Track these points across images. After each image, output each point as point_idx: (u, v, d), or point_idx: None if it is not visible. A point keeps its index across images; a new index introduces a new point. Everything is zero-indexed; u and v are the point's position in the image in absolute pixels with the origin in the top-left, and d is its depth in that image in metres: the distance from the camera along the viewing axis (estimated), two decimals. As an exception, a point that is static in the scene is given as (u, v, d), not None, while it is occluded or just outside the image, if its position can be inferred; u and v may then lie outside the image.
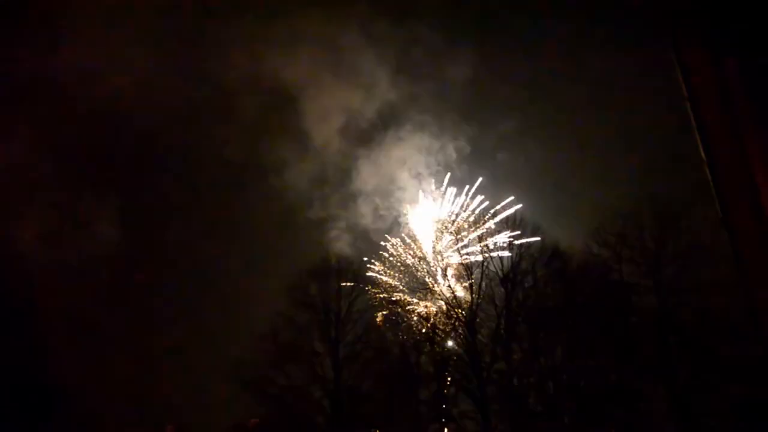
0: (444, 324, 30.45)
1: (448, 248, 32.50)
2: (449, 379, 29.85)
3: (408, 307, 32.62)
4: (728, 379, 23.95)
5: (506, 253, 29.51)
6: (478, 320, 29.00)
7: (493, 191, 33.28)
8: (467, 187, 33.68)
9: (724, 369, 24.15)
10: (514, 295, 28.47)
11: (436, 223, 33.69)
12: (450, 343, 30.43)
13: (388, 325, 32.41)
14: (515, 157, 36.43)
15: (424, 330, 31.46)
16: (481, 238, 31.06)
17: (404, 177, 35.49)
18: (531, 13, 33.87)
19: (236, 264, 33.90)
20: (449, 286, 30.97)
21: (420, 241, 33.67)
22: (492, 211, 32.19)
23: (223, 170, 36.09)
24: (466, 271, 30.53)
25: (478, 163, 36.11)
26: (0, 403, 24.28)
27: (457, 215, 33.23)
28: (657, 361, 26.07)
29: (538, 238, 29.53)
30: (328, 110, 34.55)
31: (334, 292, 29.84)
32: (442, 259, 32.48)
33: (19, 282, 27.27)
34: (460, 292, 30.56)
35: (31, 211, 30.61)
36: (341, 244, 33.86)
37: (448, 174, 35.02)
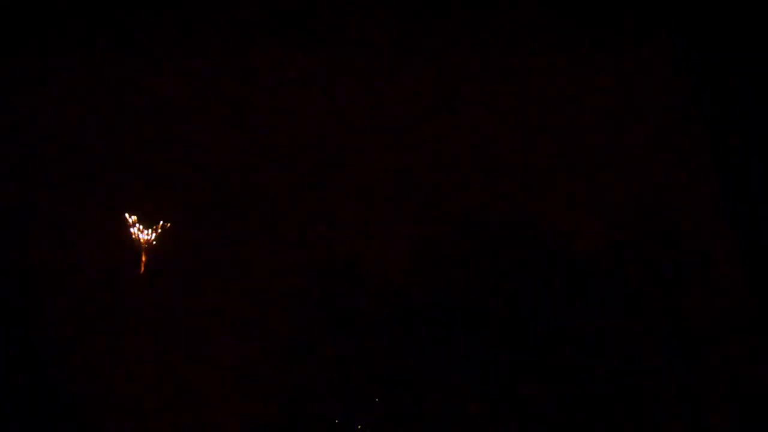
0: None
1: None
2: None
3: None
4: (738, 379, 24.02)
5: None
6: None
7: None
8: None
9: (734, 369, 24.24)
10: (519, 293, 28.57)
11: None
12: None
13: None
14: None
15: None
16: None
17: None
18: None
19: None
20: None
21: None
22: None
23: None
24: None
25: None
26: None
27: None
28: (667, 362, 26.15)
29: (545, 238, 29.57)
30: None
31: (341, 290, 29.97)
32: None
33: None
34: None
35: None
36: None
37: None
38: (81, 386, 27.90)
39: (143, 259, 33.19)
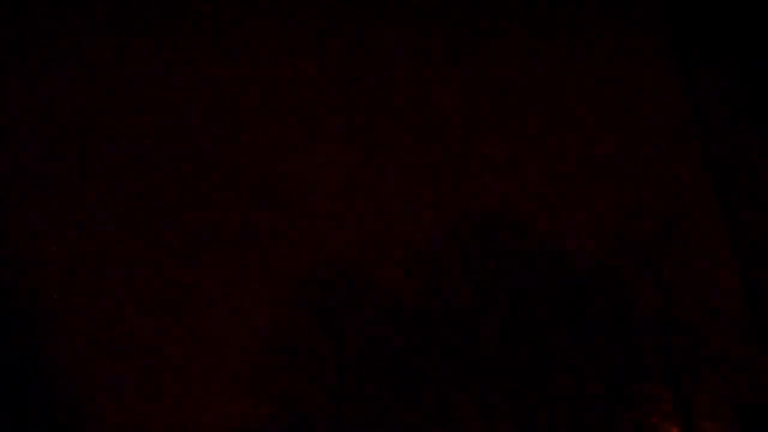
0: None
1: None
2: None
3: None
4: (731, 380, 24.11)
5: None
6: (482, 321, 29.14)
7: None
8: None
9: (727, 371, 24.32)
10: (516, 295, 28.61)
11: None
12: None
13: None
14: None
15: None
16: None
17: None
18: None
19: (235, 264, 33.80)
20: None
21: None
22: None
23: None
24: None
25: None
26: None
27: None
28: (660, 362, 26.20)
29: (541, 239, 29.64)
30: None
31: (340, 295, 30.00)
32: None
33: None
34: None
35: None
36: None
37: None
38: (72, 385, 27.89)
39: None
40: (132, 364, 30.17)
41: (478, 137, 36.11)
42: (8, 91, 31.78)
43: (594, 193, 31.26)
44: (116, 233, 32.81)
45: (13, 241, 28.79)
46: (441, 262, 31.33)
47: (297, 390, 28.82)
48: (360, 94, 36.18)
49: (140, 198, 33.94)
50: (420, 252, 31.39)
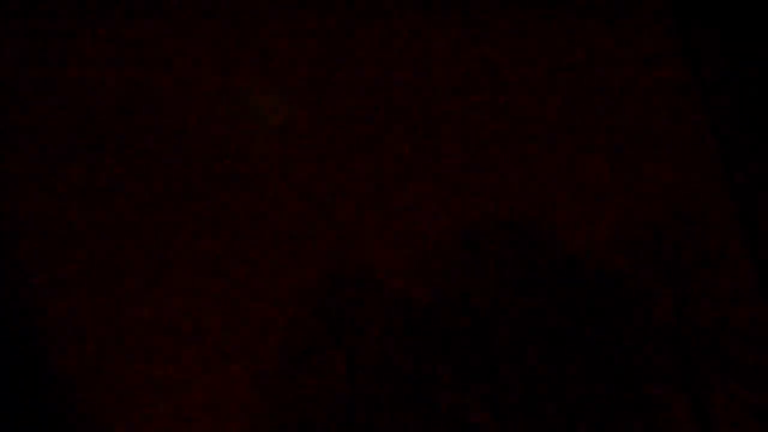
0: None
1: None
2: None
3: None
4: (749, 387, 23.70)
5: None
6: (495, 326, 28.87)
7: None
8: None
9: (745, 377, 23.92)
10: (530, 302, 28.31)
11: None
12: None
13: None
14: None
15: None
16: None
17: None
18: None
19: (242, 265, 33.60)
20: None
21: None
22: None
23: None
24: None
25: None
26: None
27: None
28: (676, 370, 25.84)
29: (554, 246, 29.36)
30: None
31: (351, 299, 29.82)
32: None
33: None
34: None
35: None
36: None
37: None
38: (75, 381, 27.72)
39: None
40: (136, 368, 30.05)
41: (485, 139, 35.86)
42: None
43: (608, 198, 30.89)
44: (119, 235, 32.74)
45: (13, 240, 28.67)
46: (452, 266, 31.00)
47: (306, 395, 28.60)
48: (371, 94, 36.02)
49: (143, 199, 33.85)
50: (430, 256, 31.12)
